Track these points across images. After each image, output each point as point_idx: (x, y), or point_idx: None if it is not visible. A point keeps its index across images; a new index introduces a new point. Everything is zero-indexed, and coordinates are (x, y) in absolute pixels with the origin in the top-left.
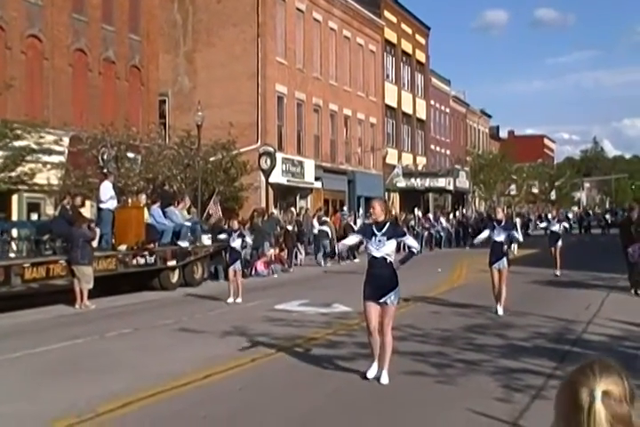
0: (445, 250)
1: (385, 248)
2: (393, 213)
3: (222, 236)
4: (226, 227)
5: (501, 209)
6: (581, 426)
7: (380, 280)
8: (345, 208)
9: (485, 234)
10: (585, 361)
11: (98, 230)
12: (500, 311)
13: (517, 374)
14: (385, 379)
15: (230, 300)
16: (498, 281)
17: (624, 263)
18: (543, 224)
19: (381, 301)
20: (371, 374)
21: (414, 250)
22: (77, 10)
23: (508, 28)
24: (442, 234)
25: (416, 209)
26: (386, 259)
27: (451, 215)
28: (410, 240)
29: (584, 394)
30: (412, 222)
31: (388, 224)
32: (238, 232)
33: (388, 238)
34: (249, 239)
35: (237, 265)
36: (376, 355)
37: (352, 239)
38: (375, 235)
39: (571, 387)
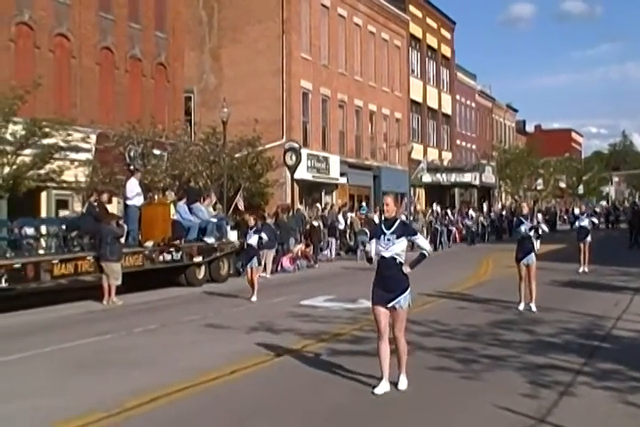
0: (479, 245)
1: (394, 247)
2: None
3: (210, 239)
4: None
5: (527, 204)
6: None
7: (389, 282)
8: (364, 204)
9: (523, 228)
10: None
11: (125, 227)
12: (534, 308)
13: (545, 370)
14: (403, 384)
15: (254, 298)
16: (526, 277)
17: None
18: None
19: (389, 306)
20: (380, 390)
21: (425, 252)
22: (104, 8)
23: (534, 22)
24: (472, 229)
25: (434, 204)
26: (395, 259)
27: (484, 210)
28: (421, 240)
29: None
30: (431, 218)
31: (397, 222)
32: (254, 229)
33: (398, 237)
34: (265, 236)
35: (254, 262)
36: (385, 370)
37: (373, 245)
38: (384, 233)
39: None
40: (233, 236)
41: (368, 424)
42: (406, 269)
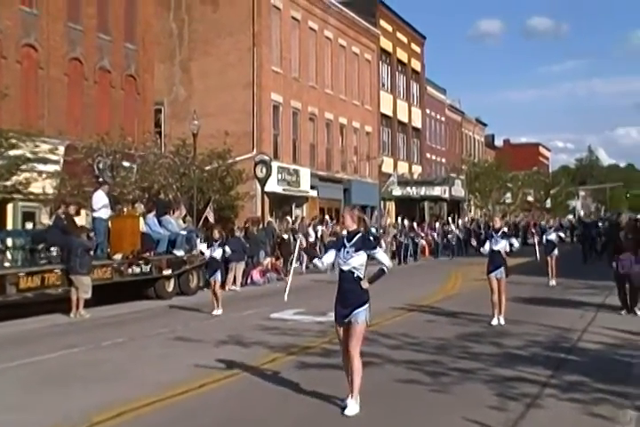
0: (445, 258)
1: (352, 261)
2: (367, 222)
3: (179, 252)
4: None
5: (499, 218)
6: None
7: (348, 296)
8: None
9: (488, 246)
10: None
11: (95, 239)
12: (502, 321)
13: (512, 382)
14: (352, 410)
15: (216, 312)
16: (497, 290)
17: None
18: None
19: (345, 320)
20: (350, 411)
21: (384, 268)
22: (73, 19)
23: (502, 38)
24: (441, 242)
25: (399, 218)
26: (353, 273)
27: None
28: (380, 255)
29: None
30: (395, 231)
31: (358, 235)
32: (219, 242)
33: (356, 250)
34: (229, 249)
35: (218, 276)
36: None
37: (330, 256)
38: (345, 246)
39: None
40: (203, 248)
41: None
42: (364, 285)
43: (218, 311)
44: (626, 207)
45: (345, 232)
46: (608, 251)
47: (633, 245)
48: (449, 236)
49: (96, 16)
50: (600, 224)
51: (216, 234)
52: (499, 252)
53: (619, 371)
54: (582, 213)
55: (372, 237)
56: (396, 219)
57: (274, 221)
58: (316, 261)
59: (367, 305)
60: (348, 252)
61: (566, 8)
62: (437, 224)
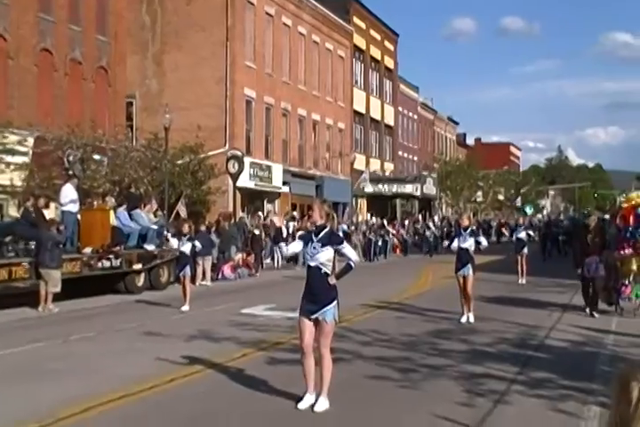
0: (418, 256)
1: (319, 256)
2: (335, 218)
3: (150, 246)
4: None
5: (467, 216)
6: (629, 418)
7: (315, 293)
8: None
9: (456, 243)
10: (637, 359)
11: (65, 233)
12: (472, 319)
13: (481, 379)
14: (321, 406)
15: (184, 308)
16: (464, 288)
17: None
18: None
19: (313, 317)
20: (303, 405)
21: (352, 263)
22: (44, 9)
23: (474, 37)
24: (407, 239)
25: (369, 215)
26: (320, 269)
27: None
28: (347, 250)
29: (634, 387)
30: (364, 228)
31: (325, 230)
32: (188, 236)
33: (323, 246)
34: (198, 244)
35: (187, 271)
36: (309, 383)
37: (296, 245)
38: (312, 241)
39: (622, 379)
40: (174, 243)
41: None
42: (332, 280)
43: (185, 307)
44: (594, 207)
45: (313, 227)
46: (573, 253)
47: (599, 247)
48: (427, 233)
49: (67, 7)
50: (562, 223)
51: (185, 228)
52: (467, 250)
53: (584, 368)
54: (547, 211)
55: (340, 233)
56: (369, 216)
57: (245, 217)
58: (281, 244)
59: (335, 302)
60: (314, 247)
61: (538, 8)
62: (407, 222)
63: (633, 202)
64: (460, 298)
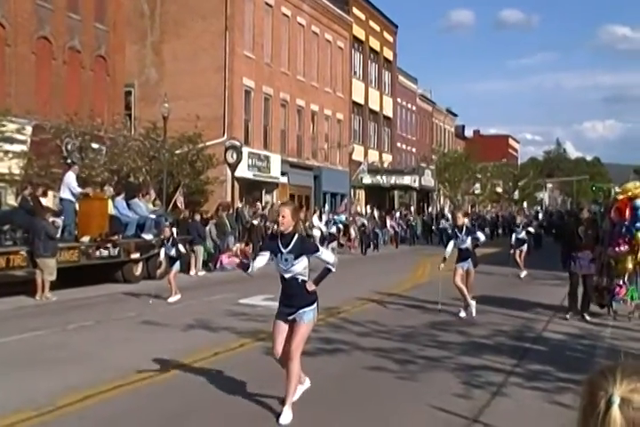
0: (407, 247)
1: (295, 268)
2: (301, 223)
3: (148, 236)
4: (190, 221)
5: (461, 214)
6: None
7: (294, 300)
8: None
9: (451, 245)
10: (609, 363)
11: (60, 221)
12: (474, 312)
13: (478, 371)
14: (286, 418)
15: (173, 298)
16: (463, 281)
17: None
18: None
19: (290, 318)
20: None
21: (330, 267)
22: None
23: (473, 29)
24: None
25: (364, 206)
26: (297, 279)
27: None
28: (325, 255)
29: (601, 398)
30: (363, 220)
31: (295, 238)
32: (171, 241)
33: (297, 257)
34: (182, 248)
35: (177, 266)
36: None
37: (262, 259)
38: (281, 252)
39: (590, 389)
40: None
41: (306, 417)
42: (310, 287)
43: (171, 298)
44: (591, 200)
45: (315, 221)
46: (561, 249)
47: (592, 241)
48: (413, 224)
49: None
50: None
51: (166, 232)
52: (466, 249)
53: (581, 360)
54: (545, 204)
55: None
56: (366, 207)
57: (244, 207)
58: (249, 271)
59: (315, 304)
60: (286, 260)
61: (537, 1)
62: (397, 214)
63: (629, 193)
64: (460, 292)
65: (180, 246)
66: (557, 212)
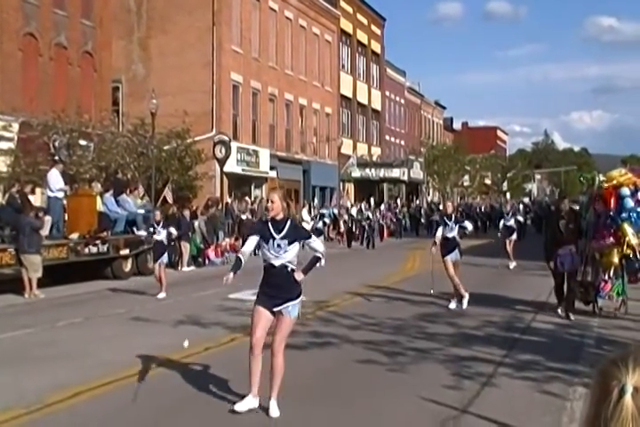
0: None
1: (287, 255)
2: (292, 206)
3: (141, 232)
4: (178, 217)
5: (451, 203)
6: (607, 418)
7: (278, 290)
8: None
9: (440, 232)
10: (621, 351)
11: (48, 218)
12: (465, 304)
13: (468, 362)
14: (275, 411)
15: (161, 295)
16: (452, 273)
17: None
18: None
19: (276, 310)
20: (241, 407)
21: (319, 255)
22: None
23: (461, 21)
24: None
25: (360, 201)
26: (287, 267)
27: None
28: (316, 243)
29: (614, 388)
30: (352, 213)
31: (288, 224)
32: (161, 224)
33: (290, 243)
34: (174, 231)
35: (164, 259)
36: (253, 384)
37: (251, 243)
38: (273, 238)
39: (602, 378)
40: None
41: (297, 410)
42: (299, 277)
43: (162, 295)
44: (578, 191)
45: (304, 214)
46: (544, 243)
47: (574, 235)
48: (400, 217)
49: None
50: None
51: (157, 216)
52: (453, 238)
53: (570, 350)
54: (534, 195)
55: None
56: (356, 200)
57: (233, 202)
58: (239, 255)
59: (300, 299)
60: (279, 245)
61: None
62: (382, 207)
63: (614, 181)
64: (452, 283)
65: (172, 229)
66: (539, 202)
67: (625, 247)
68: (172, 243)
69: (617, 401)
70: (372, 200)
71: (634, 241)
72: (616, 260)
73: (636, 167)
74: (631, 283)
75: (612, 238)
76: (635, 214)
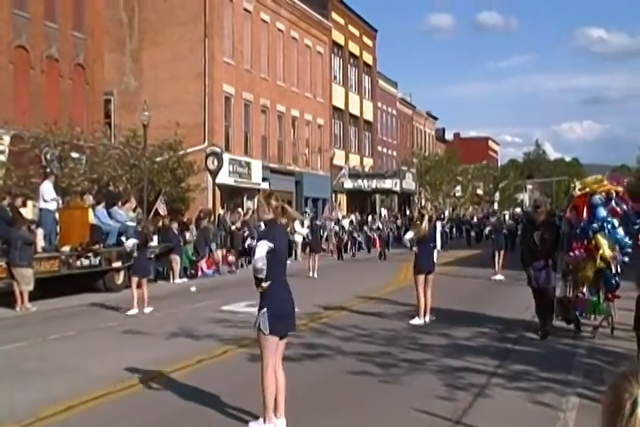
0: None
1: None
2: (286, 209)
3: (129, 243)
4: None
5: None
6: None
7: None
8: (307, 208)
9: (409, 235)
10: (630, 367)
11: (40, 231)
12: (428, 318)
13: (461, 372)
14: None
15: (133, 311)
16: (422, 286)
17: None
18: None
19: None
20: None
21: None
22: (18, 6)
23: (452, 32)
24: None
25: (351, 212)
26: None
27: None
28: (257, 248)
29: (626, 401)
30: (343, 224)
31: (267, 225)
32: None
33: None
34: (134, 240)
35: (145, 272)
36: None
37: (263, 248)
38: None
39: (615, 392)
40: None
41: (290, 421)
42: (264, 284)
43: (147, 309)
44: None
45: (297, 226)
46: (521, 256)
47: (549, 248)
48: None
49: (43, 3)
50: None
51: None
52: (434, 246)
53: (562, 360)
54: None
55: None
56: (348, 211)
57: (225, 213)
58: (255, 261)
59: (264, 311)
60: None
61: (516, 4)
62: (369, 218)
63: (587, 189)
64: (420, 299)
65: (133, 239)
66: (525, 213)
67: (599, 260)
68: (151, 257)
69: (630, 414)
70: (383, 211)
71: (608, 253)
72: (590, 273)
73: (616, 175)
74: (608, 301)
75: (582, 251)
76: (609, 225)
